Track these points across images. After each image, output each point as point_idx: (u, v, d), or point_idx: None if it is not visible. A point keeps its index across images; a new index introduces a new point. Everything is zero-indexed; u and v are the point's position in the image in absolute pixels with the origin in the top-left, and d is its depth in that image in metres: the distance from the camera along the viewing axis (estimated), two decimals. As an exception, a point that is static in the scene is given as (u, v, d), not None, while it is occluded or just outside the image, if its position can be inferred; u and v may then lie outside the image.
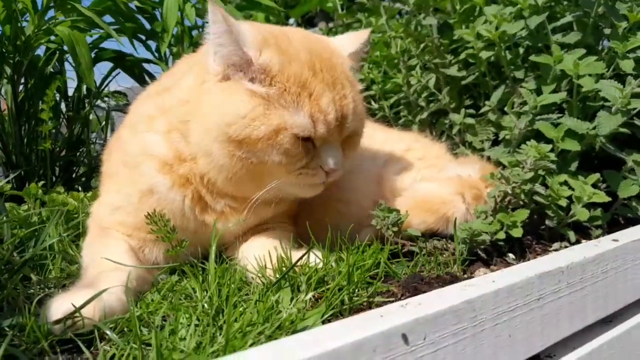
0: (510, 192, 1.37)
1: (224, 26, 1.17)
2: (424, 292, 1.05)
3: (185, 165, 1.28)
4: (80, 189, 2.20)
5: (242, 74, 1.19)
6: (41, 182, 1.78)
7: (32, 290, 1.18)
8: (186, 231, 1.30)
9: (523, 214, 1.33)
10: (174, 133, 1.28)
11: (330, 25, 4.03)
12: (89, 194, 1.79)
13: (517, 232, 1.31)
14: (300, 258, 1.15)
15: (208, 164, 1.23)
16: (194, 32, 2.95)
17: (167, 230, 1.19)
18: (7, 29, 2.13)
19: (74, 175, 2.32)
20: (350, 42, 1.43)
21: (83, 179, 2.31)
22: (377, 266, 1.19)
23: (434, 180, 1.58)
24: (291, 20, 4.60)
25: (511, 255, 1.36)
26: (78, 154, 2.38)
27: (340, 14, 2.73)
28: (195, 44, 2.90)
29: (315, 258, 1.18)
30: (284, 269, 1.16)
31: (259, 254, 1.24)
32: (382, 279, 1.17)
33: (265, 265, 1.20)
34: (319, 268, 1.16)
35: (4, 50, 2.13)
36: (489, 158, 1.83)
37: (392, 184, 1.58)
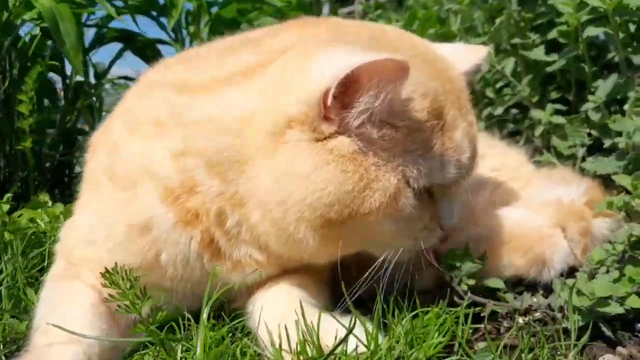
0: (651, 236, 0.92)
1: (401, 88, 0.80)
2: None
3: (197, 198, 0.89)
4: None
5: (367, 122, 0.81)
6: (6, 195, 1.41)
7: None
8: (187, 282, 0.94)
9: (669, 270, 0.89)
10: (192, 159, 0.88)
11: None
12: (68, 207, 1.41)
13: (661, 299, 0.87)
14: (336, 347, 0.74)
15: (272, 231, 0.87)
16: (214, 9, 2.55)
17: (135, 294, 0.79)
18: (-14, 2, 1.76)
19: (66, 179, 1.96)
20: (463, 56, 1.03)
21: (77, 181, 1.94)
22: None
23: (522, 205, 1.15)
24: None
25: (642, 328, 0.92)
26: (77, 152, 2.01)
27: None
28: (215, 21, 2.51)
29: (356, 343, 0.78)
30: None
31: (276, 315, 0.89)
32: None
33: (285, 336, 0.82)
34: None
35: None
36: (581, 170, 1.38)
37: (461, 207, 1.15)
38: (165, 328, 0.92)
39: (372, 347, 0.78)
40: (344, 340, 0.76)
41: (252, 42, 0.95)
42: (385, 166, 0.81)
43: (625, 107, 1.23)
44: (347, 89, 0.78)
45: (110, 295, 0.79)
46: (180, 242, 0.90)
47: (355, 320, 0.79)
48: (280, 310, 0.90)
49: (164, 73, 1.02)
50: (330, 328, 0.81)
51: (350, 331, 0.77)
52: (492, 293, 1.05)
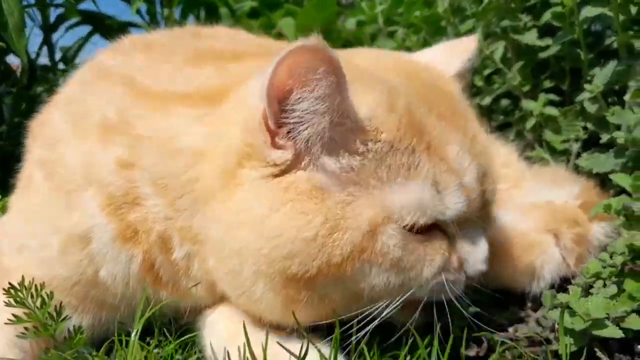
0: (656, 247, 0.80)
1: (332, 81, 0.65)
2: None
3: (138, 212, 0.77)
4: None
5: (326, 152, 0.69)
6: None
7: None
8: (130, 300, 0.82)
9: (675, 287, 0.77)
10: (138, 172, 0.77)
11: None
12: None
13: (665, 320, 0.76)
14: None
15: (227, 280, 0.76)
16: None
17: (49, 314, 0.66)
18: None
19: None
20: (449, 58, 0.91)
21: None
22: None
23: (510, 208, 1.02)
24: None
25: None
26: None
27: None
28: (187, 3, 2.37)
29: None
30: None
31: (222, 335, 0.79)
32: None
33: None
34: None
35: None
36: (576, 167, 1.27)
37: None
38: (105, 345, 0.81)
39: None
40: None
41: (219, 58, 0.84)
42: (356, 202, 0.67)
43: (626, 97, 1.10)
44: (282, 101, 0.66)
45: (15, 316, 0.66)
46: (120, 260, 0.79)
47: (307, 346, 0.67)
48: (227, 331, 0.79)
49: (121, 60, 0.89)
50: (281, 354, 0.70)
51: (301, 361, 0.65)
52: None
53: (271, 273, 0.68)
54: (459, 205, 0.70)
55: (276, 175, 0.68)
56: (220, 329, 0.79)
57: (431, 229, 0.71)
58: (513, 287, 0.96)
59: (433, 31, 1.72)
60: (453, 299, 0.74)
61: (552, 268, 0.96)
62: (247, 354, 0.68)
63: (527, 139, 1.41)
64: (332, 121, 0.66)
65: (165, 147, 0.75)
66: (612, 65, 1.15)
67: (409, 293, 0.71)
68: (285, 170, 0.68)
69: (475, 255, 0.75)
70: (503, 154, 1.24)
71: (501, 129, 1.49)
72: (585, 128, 1.32)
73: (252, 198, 0.69)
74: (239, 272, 0.71)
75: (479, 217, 0.75)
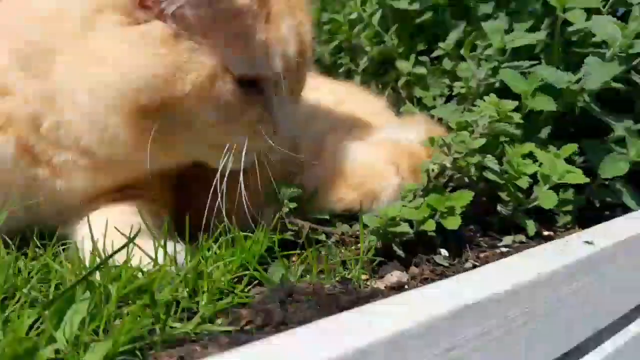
0: (450, 165, 0.97)
1: None
2: (284, 323, 0.67)
3: (8, 101, 0.87)
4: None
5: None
6: None
7: None
8: (12, 187, 0.90)
9: (464, 198, 0.94)
10: (4, 57, 0.87)
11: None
12: None
13: (453, 223, 0.93)
14: (111, 256, 0.75)
15: (87, 128, 0.86)
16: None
17: None
18: None
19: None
20: None
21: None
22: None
23: (361, 144, 1.18)
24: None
25: (444, 252, 0.97)
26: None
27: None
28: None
29: (141, 258, 0.79)
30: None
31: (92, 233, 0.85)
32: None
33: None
34: (146, 271, 0.77)
35: None
36: (440, 119, 1.43)
37: (310, 146, 1.18)
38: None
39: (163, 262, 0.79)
40: (124, 247, 0.76)
41: None
42: (201, 49, 0.82)
43: (461, 51, 1.27)
44: None
45: None
46: None
47: (139, 230, 0.79)
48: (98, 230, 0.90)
49: None
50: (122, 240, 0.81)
51: (130, 240, 0.77)
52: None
53: (123, 105, 0.80)
54: (279, 69, 0.88)
55: (132, 25, 0.81)
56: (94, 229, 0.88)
57: (252, 85, 0.87)
58: (357, 209, 1.11)
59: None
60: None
61: (389, 193, 1.10)
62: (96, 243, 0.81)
63: (402, 96, 1.57)
64: None
65: (22, 12, 0.85)
66: (461, 27, 1.33)
67: (229, 136, 0.87)
68: (143, 22, 0.81)
69: (282, 115, 0.92)
70: (374, 105, 1.40)
71: (382, 87, 1.65)
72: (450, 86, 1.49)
73: (107, 41, 0.81)
74: (93, 109, 0.82)
75: (291, 90, 0.93)
